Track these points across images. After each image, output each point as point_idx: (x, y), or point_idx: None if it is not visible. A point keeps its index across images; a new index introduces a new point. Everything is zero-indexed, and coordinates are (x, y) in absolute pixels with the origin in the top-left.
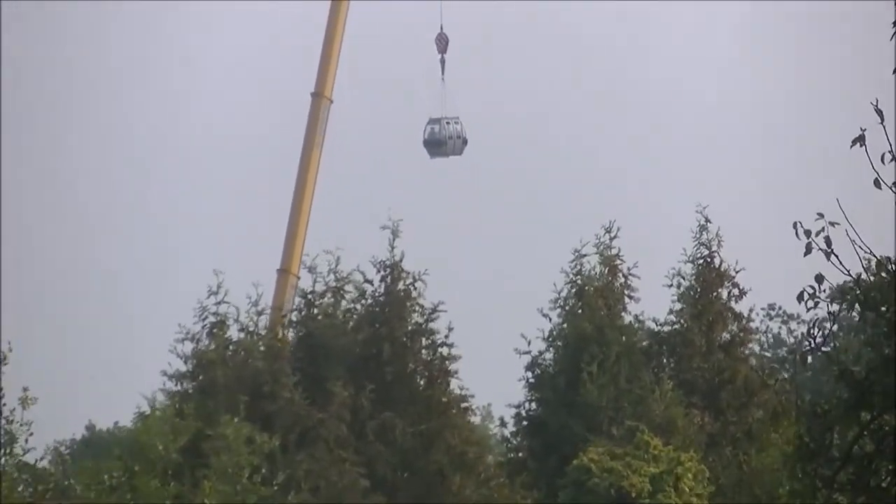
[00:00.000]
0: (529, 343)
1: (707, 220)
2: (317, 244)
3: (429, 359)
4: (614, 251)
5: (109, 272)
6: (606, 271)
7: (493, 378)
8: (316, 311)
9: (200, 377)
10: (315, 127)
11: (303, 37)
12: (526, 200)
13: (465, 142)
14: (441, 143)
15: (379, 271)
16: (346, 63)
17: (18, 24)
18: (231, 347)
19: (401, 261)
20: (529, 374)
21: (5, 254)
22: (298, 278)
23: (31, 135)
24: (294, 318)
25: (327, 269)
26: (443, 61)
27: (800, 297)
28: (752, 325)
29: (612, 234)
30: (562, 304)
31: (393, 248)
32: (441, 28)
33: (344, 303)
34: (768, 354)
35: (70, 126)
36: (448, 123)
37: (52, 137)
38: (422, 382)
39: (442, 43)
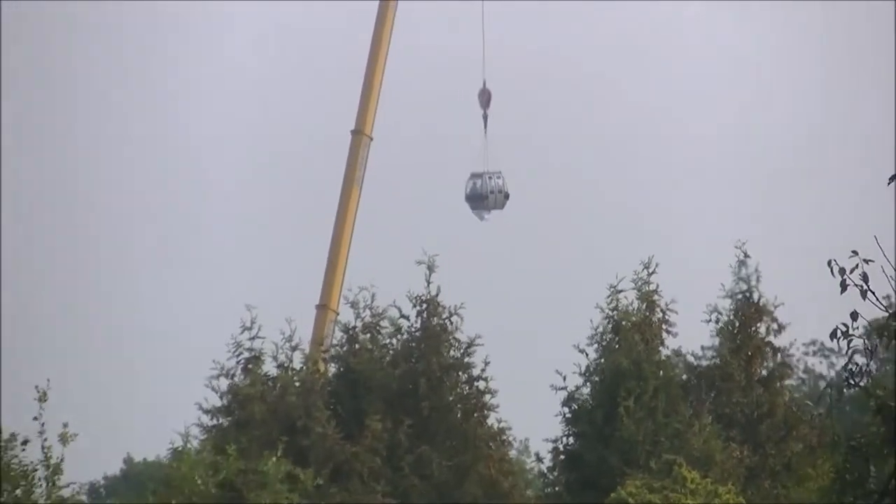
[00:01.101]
0: (565, 378)
1: (746, 255)
2: (357, 280)
3: (465, 393)
4: (652, 287)
5: (149, 306)
6: (644, 307)
7: (530, 414)
8: (356, 346)
9: (237, 412)
10: (355, 164)
11: (343, 73)
12: (564, 242)
13: (506, 196)
14: (483, 197)
15: (415, 306)
16: (389, 104)
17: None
18: (267, 383)
19: (437, 295)
20: (566, 410)
21: (46, 293)
22: (337, 314)
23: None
24: (333, 353)
25: (363, 305)
26: (485, 117)
27: (833, 335)
28: (792, 359)
29: (651, 270)
30: (598, 339)
31: (429, 282)
32: (484, 83)
33: (381, 338)
34: (805, 389)
35: (102, 155)
36: (490, 178)
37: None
38: (459, 416)
39: (484, 98)
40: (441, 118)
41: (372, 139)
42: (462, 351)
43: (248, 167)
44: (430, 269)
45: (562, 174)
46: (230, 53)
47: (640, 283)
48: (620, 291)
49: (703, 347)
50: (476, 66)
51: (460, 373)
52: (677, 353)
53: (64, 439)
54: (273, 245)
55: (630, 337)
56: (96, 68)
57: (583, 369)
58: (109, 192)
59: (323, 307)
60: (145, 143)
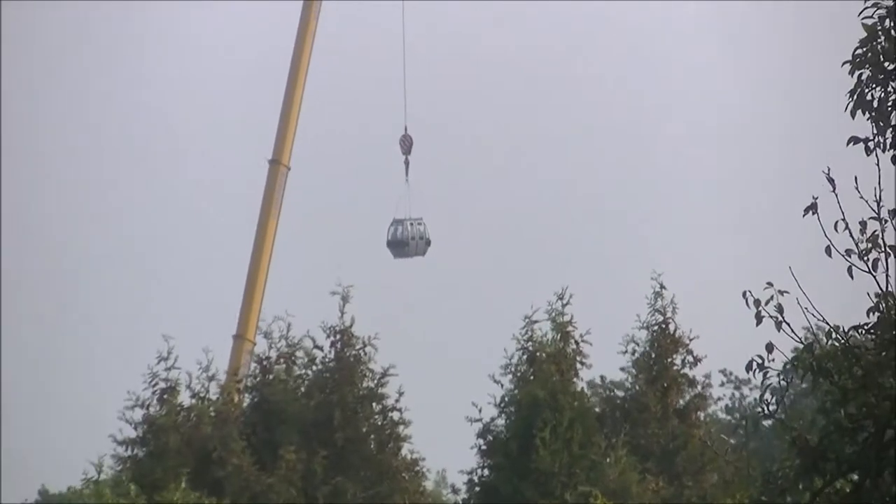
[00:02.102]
0: (480, 410)
1: (662, 287)
2: (273, 310)
3: (379, 424)
4: (567, 317)
5: (63, 331)
6: (559, 337)
7: (446, 445)
8: (270, 376)
9: (151, 443)
10: (272, 194)
11: (258, 105)
12: (482, 275)
13: (427, 242)
14: (404, 243)
15: (329, 336)
16: (308, 133)
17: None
18: (182, 413)
19: (350, 326)
20: (481, 441)
21: None
22: (254, 344)
23: None
24: (248, 384)
25: (279, 335)
26: (407, 163)
27: (748, 367)
28: (709, 391)
29: (565, 301)
30: (513, 370)
31: (343, 313)
32: (405, 129)
33: (296, 368)
34: (726, 417)
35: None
36: (411, 225)
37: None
38: (373, 448)
39: (406, 144)
40: (364, 151)
41: (289, 169)
42: (376, 381)
43: (166, 193)
44: (345, 299)
45: (481, 208)
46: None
47: (554, 314)
48: (535, 322)
49: (612, 383)
50: (398, 104)
51: (374, 403)
52: (592, 384)
53: None
54: (192, 273)
55: (545, 368)
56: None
57: (498, 400)
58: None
59: (239, 337)
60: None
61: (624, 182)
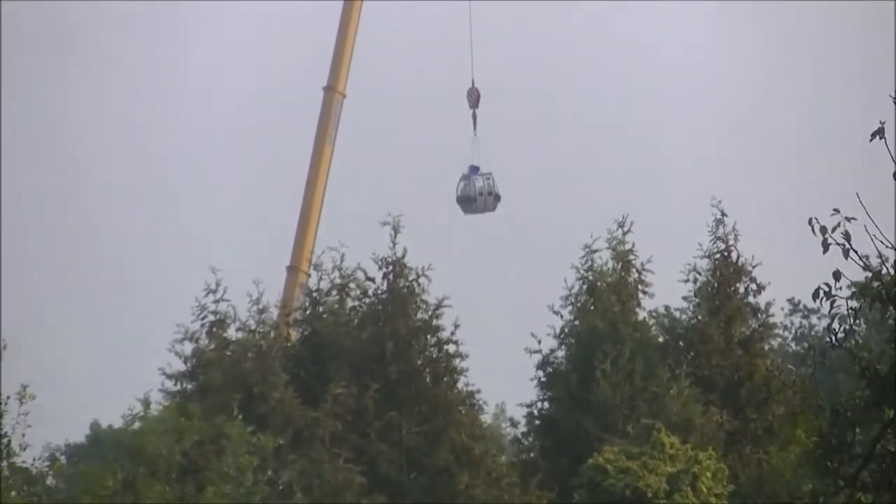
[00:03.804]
0: (540, 342)
1: (723, 214)
2: (327, 242)
3: (434, 356)
4: (627, 246)
5: (112, 267)
6: (619, 267)
7: (504, 377)
8: (321, 309)
9: (200, 377)
10: (327, 121)
11: (315, 35)
12: (538, 203)
13: (497, 198)
14: (472, 199)
15: (381, 268)
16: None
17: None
18: (232, 347)
19: (403, 257)
20: (541, 373)
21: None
22: (308, 275)
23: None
24: (299, 317)
25: (332, 266)
26: (475, 116)
27: (815, 295)
28: (773, 320)
29: (625, 229)
30: (573, 300)
31: (395, 244)
32: (472, 82)
33: (348, 301)
34: (793, 347)
35: (67, 118)
36: (483, 179)
37: (49, 129)
38: (428, 381)
39: (473, 98)
40: (426, 101)
41: (345, 96)
42: (430, 313)
43: (218, 126)
44: (396, 229)
45: (546, 160)
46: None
47: (614, 243)
48: (595, 251)
49: (674, 313)
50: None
51: (428, 336)
52: (654, 314)
53: (22, 398)
54: (245, 205)
55: (606, 298)
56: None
57: (557, 331)
58: (76, 143)
59: (293, 269)
60: (121, 97)
61: (683, 113)
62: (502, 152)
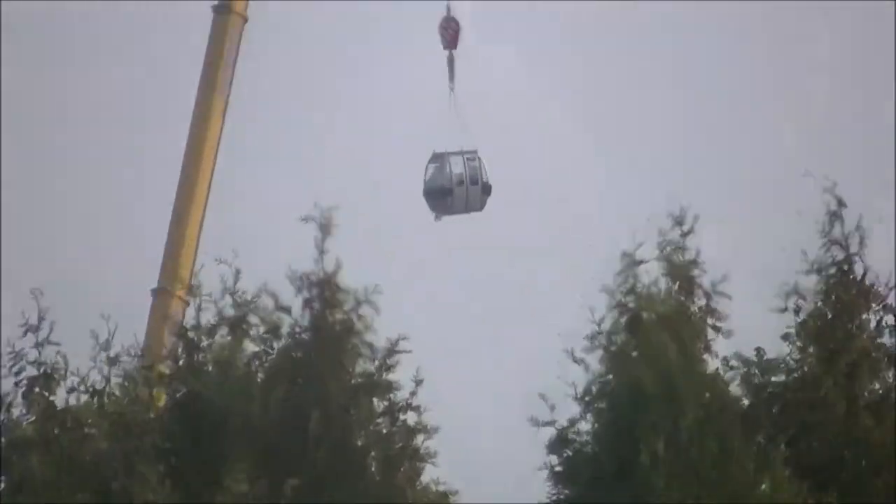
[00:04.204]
0: (554, 407)
1: (841, 204)
2: (216, 250)
3: (385, 432)
4: (689, 255)
5: None
6: (677, 287)
7: (496, 464)
8: (203, 356)
9: (14, 467)
10: (218, 58)
11: None
12: (549, 198)
13: (486, 189)
14: (448, 191)
15: (301, 290)
16: None
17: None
18: (68, 417)
19: (335, 274)
20: (555, 458)
21: None
22: (186, 303)
23: None
24: (168, 369)
25: (221, 289)
26: (451, 61)
27: None
28: None
29: (685, 227)
30: (605, 342)
31: (323, 253)
32: (448, 9)
33: (248, 343)
34: None
35: None
36: (463, 160)
37: None
38: (374, 471)
39: (449, 33)
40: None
41: (246, 20)
42: (379, 362)
43: None
44: (325, 230)
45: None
46: None
47: (668, 250)
48: (639, 263)
49: (769, 359)
50: None
51: (376, 399)
52: (732, 362)
53: None
54: (84, 193)
55: (657, 337)
56: None
57: (580, 391)
58: None
59: (162, 293)
60: None
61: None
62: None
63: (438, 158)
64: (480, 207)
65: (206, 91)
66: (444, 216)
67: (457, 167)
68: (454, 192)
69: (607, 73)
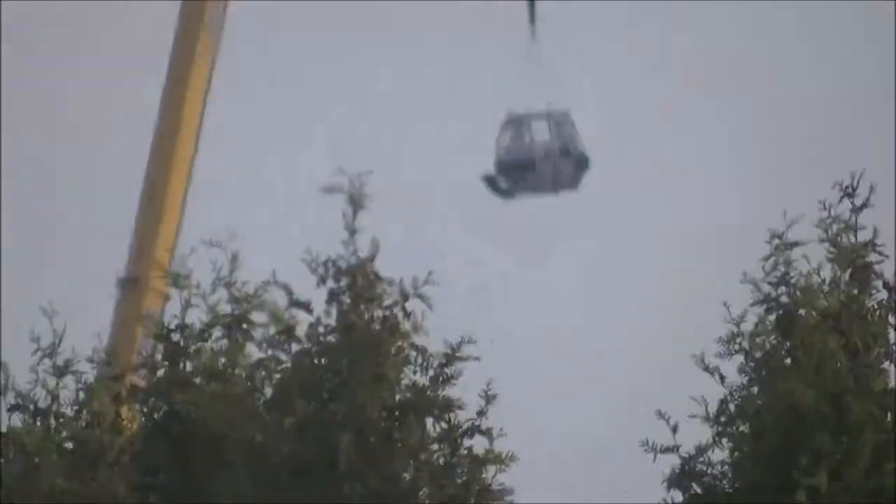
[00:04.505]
0: (676, 428)
1: None
2: (202, 231)
3: (444, 462)
4: (861, 236)
5: None
6: (846, 276)
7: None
8: (192, 365)
9: None
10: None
11: None
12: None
13: (583, 162)
14: (529, 166)
15: (324, 281)
16: None
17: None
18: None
19: (372, 259)
20: (677, 495)
21: None
22: (167, 297)
23: None
24: (146, 384)
25: (213, 279)
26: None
27: None
28: None
29: (857, 200)
30: (747, 346)
31: (354, 231)
32: None
33: (252, 349)
34: None
35: None
36: (548, 124)
37: None
38: None
39: None
40: None
41: None
42: (434, 372)
43: None
44: (356, 202)
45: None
46: None
47: (834, 226)
48: (793, 245)
49: None
50: None
51: (430, 420)
52: None
53: None
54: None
55: (820, 340)
56: None
57: (711, 410)
58: None
59: (133, 283)
60: None
61: None
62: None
63: (516, 123)
64: (575, 185)
65: (186, 51)
66: (525, 195)
67: (540, 133)
68: (538, 165)
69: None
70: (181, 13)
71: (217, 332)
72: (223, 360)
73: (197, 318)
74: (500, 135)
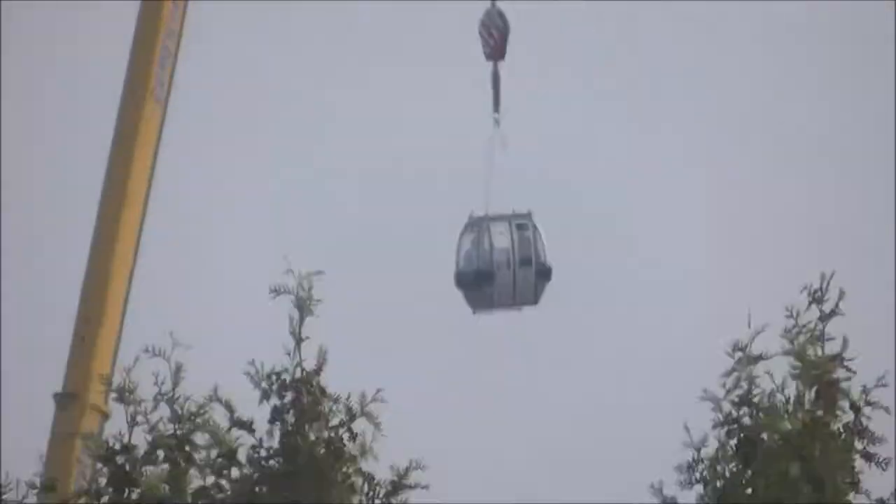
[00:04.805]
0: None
1: None
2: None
3: None
4: (833, 346)
5: None
6: (812, 395)
7: None
8: (136, 494)
9: None
10: (151, 49)
11: None
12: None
13: (544, 272)
14: (489, 276)
15: (267, 396)
16: None
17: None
18: None
19: (318, 371)
20: None
21: None
22: (107, 416)
23: None
24: None
25: (155, 392)
26: (496, 79)
27: None
28: None
29: (826, 306)
30: (707, 474)
31: (300, 340)
32: (493, 4)
33: (192, 474)
34: None
35: None
36: (504, 232)
37: None
38: None
39: (494, 39)
40: None
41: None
42: (381, 501)
43: None
44: (303, 307)
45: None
46: None
47: (801, 340)
48: (759, 359)
49: None
50: None
51: None
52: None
53: None
54: None
55: (783, 467)
56: None
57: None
58: None
59: (72, 398)
60: None
61: None
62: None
63: (475, 226)
64: (535, 300)
65: (136, 97)
66: (485, 312)
67: (500, 239)
68: (497, 276)
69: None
70: (140, 26)
71: (158, 456)
72: (166, 486)
73: (140, 437)
74: (459, 240)
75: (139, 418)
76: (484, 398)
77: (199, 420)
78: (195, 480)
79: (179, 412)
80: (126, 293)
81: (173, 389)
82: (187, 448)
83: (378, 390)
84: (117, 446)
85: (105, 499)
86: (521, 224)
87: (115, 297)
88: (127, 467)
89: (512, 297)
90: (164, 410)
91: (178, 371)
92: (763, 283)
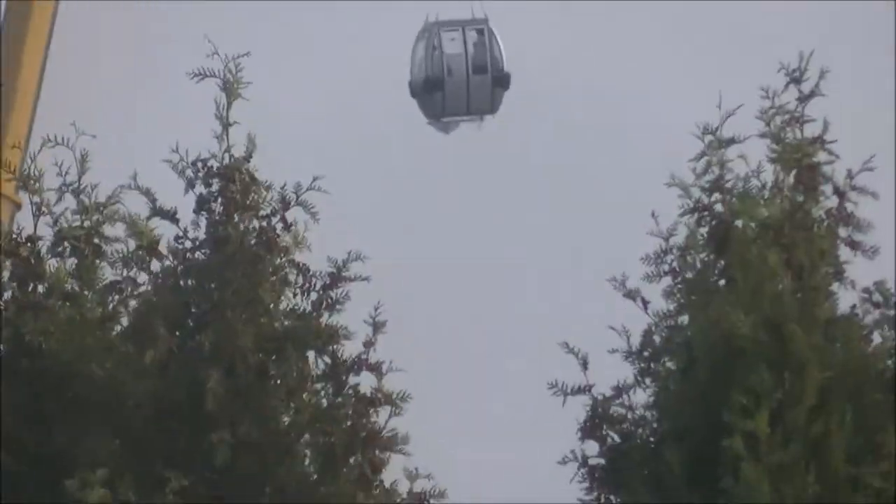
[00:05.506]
0: (587, 366)
1: None
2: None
3: (327, 402)
4: (809, 129)
5: None
6: (791, 179)
7: (497, 456)
8: (44, 286)
9: None
10: None
11: None
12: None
13: (502, 80)
14: (435, 84)
15: (192, 185)
16: None
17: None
18: None
19: (248, 158)
20: (592, 446)
21: None
22: (18, 205)
23: None
24: None
25: (60, 179)
26: None
27: None
28: None
29: (802, 82)
30: (676, 265)
31: (228, 125)
32: None
33: (103, 267)
34: None
35: None
36: (456, 37)
37: None
38: (309, 464)
39: None
40: None
41: None
42: (318, 296)
43: None
44: (230, 91)
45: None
46: None
47: (778, 122)
48: (731, 142)
49: None
50: None
51: (312, 353)
52: (871, 295)
53: None
54: None
55: (759, 257)
56: None
57: (633, 343)
58: None
59: None
60: None
61: None
62: None
63: (427, 32)
64: (492, 108)
65: None
66: (440, 121)
67: (451, 46)
68: (447, 84)
69: None
70: None
71: (66, 247)
72: (73, 282)
73: (46, 230)
74: (414, 46)
75: (44, 208)
76: (432, 201)
77: (107, 211)
78: (108, 274)
79: (87, 202)
80: (41, 71)
81: (79, 179)
82: (96, 241)
83: (315, 178)
84: (21, 238)
85: (8, 294)
86: (478, 30)
87: (29, 71)
88: (32, 260)
89: (466, 106)
90: (70, 203)
91: (83, 160)
92: (736, 62)
